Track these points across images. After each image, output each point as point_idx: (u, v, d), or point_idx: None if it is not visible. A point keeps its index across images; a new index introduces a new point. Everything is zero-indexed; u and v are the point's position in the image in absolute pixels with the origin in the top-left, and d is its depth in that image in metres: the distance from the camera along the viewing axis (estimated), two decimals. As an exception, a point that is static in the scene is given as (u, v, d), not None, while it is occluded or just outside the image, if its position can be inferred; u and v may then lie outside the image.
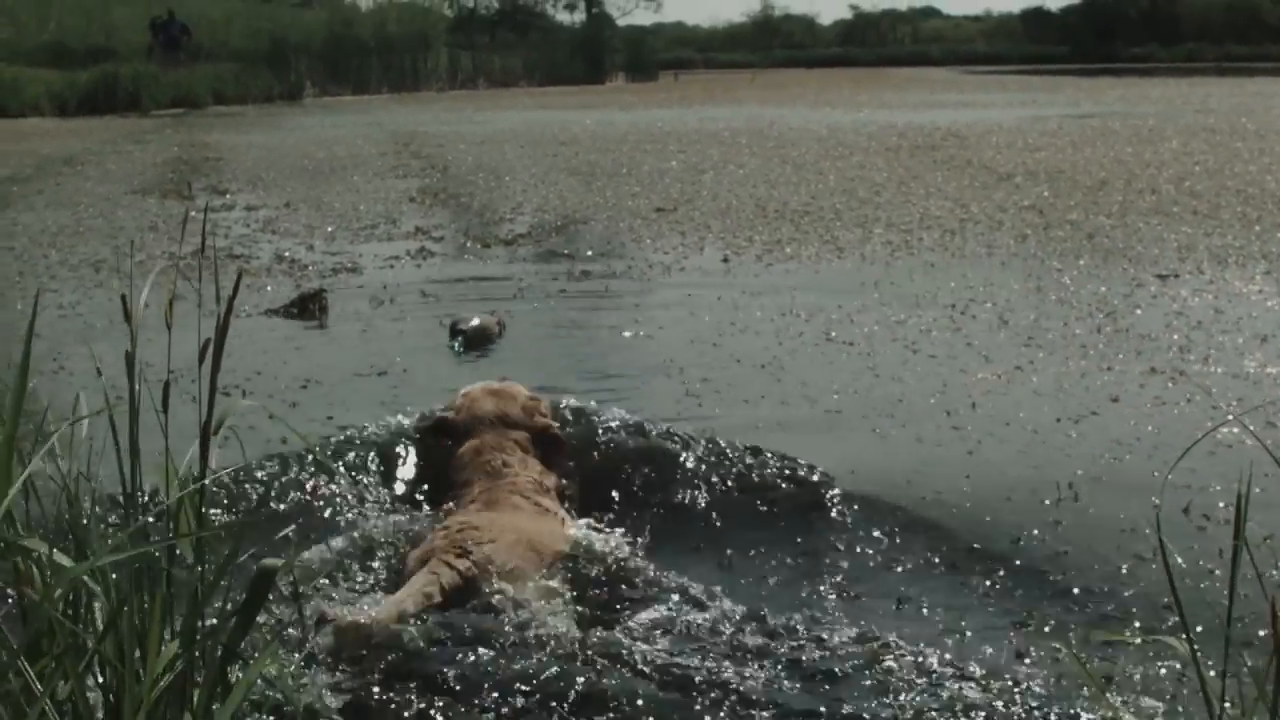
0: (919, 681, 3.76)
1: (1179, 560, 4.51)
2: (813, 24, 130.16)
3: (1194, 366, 7.38)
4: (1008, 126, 27.53)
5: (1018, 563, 4.65)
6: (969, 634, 4.09)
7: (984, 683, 3.76)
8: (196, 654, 2.36)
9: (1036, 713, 3.62)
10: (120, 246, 12.23)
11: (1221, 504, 5.06)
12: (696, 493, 5.20)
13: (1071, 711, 3.60)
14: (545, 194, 16.76)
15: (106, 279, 10.57)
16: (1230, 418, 6.09)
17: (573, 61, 67.00)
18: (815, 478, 5.33)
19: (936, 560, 4.68)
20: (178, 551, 2.41)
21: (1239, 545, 2.21)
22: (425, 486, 5.14)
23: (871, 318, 8.83)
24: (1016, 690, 3.73)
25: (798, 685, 3.66)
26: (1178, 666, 3.70)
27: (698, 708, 3.45)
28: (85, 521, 2.42)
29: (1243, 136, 23.82)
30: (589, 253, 11.98)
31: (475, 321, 8.45)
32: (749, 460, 5.44)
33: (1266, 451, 2.40)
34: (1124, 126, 26.96)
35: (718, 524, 5.01)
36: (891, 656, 3.85)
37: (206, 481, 2.41)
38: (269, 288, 10.31)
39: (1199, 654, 2.32)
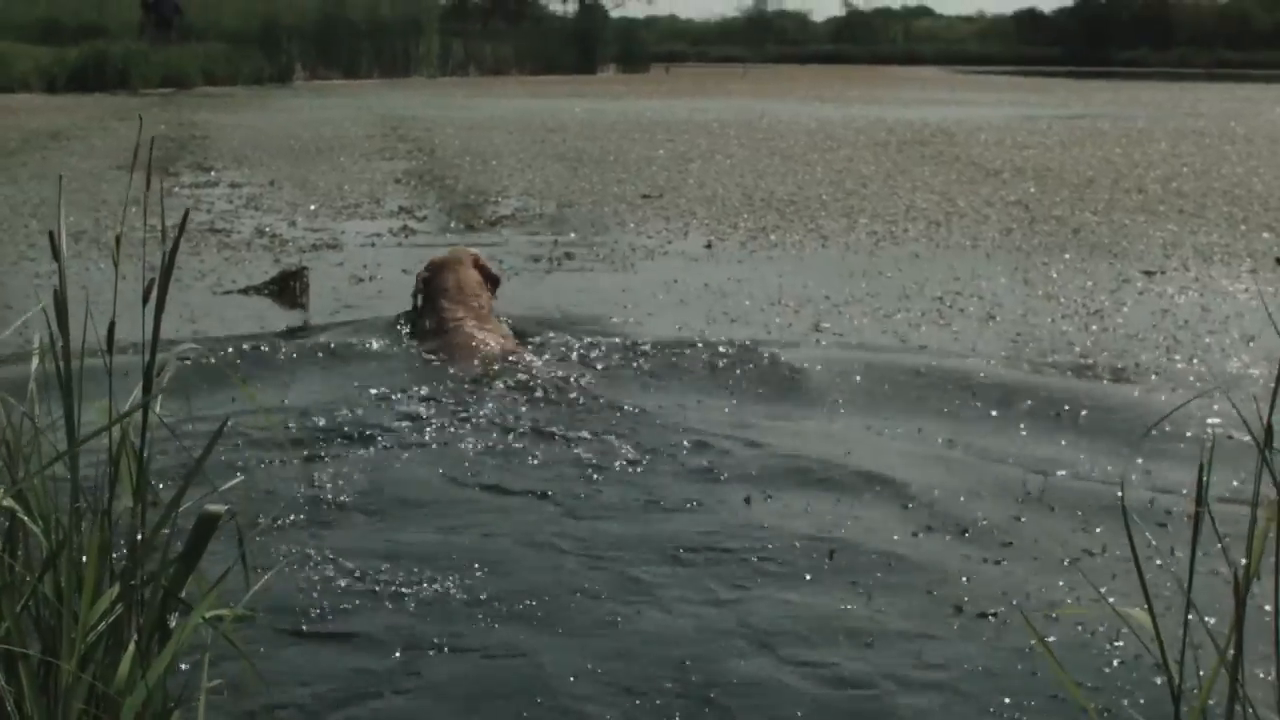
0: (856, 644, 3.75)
1: (1149, 537, 4.51)
2: (806, 20, 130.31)
3: (1178, 365, 7.36)
4: (997, 125, 27.51)
5: (970, 543, 4.65)
6: (910, 608, 4.06)
7: (930, 652, 3.76)
8: (136, 599, 2.31)
9: (986, 683, 3.61)
10: (102, 219, 12.17)
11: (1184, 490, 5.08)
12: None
13: (1027, 683, 3.59)
14: (531, 178, 16.70)
15: (85, 249, 10.49)
16: (1203, 397, 6.10)
17: (565, 52, 66.88)
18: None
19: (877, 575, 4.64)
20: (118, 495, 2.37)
21: (1200, 512, 2.16)
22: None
23: (859, 309, 8.79)
24: (969, 661, 3.73)
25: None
26: (1137, 639, 3.69)
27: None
28: (24, 458, 2.38)
29: (1231, 140, 23.83)
30: (573, 235, 11.93)
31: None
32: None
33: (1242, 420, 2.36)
34: (1113, 128, 26.96)
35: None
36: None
37: (147, 421, 2.37)
38: (248, 261, 10.26)
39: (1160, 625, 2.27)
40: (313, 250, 10.84)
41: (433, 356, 7.10)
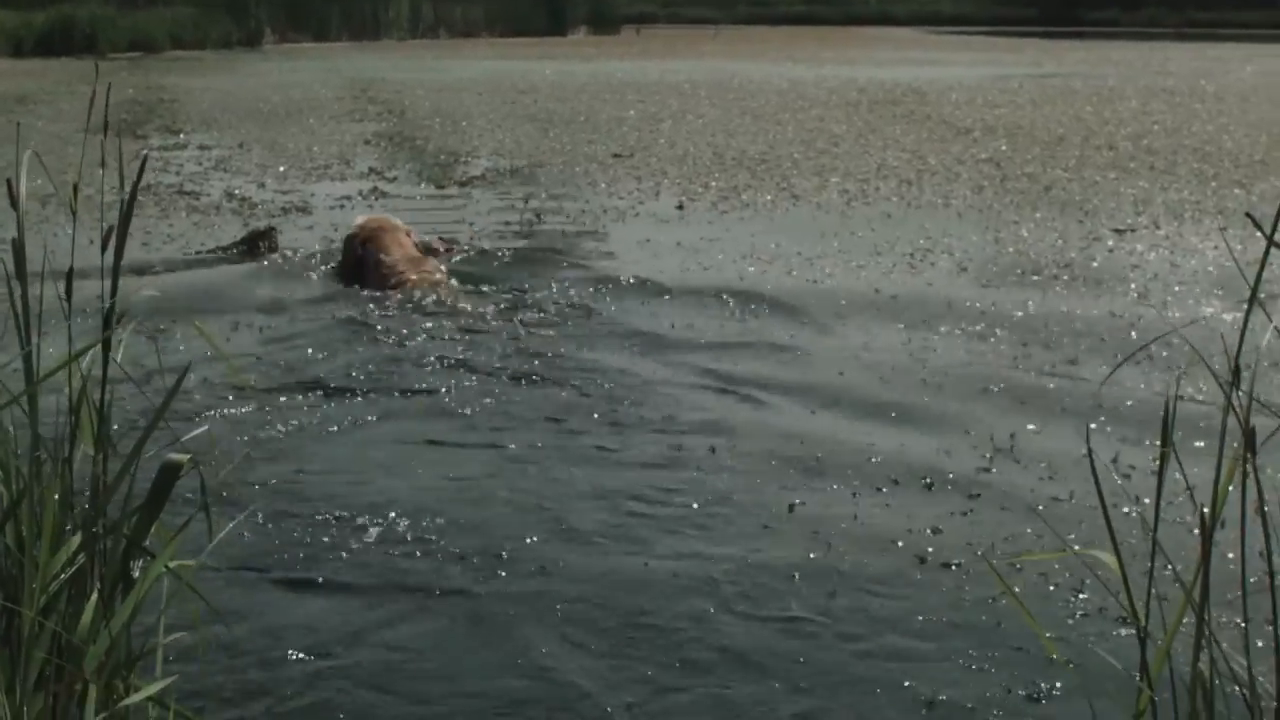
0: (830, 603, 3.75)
1: (1115, 477, 4.53)
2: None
3: (1150, 311, 7.38)
4: (968, 84, 27.46)
5: (932, 487, 4.68)
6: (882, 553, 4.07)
7: (901, 594, 3.77)
8: (99, 548, 2.29)
9: (954, 629, 3.62)
10: (68, 182, 12.06)
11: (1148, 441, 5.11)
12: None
13: (995, 630, 3.60)
14: (501, 139, 16.63)
15: (53, 214, 10.40)
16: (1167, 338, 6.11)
17: (534, 13, 66.48)
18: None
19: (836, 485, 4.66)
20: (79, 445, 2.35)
21: (1166, 452, 2.16)
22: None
23: (832, 263, 8.79)
24: (935, 606, 3.75)
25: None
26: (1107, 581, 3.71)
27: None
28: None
29: (1201, 98, 23.83)
30: (543, 195, 11.88)
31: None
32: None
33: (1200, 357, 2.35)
34: (1084, 86, 26.94)
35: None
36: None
37: (107, 370, 2.34)
38: (216, 224, 10.21)
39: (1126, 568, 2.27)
40: (282, 213, 10.78)
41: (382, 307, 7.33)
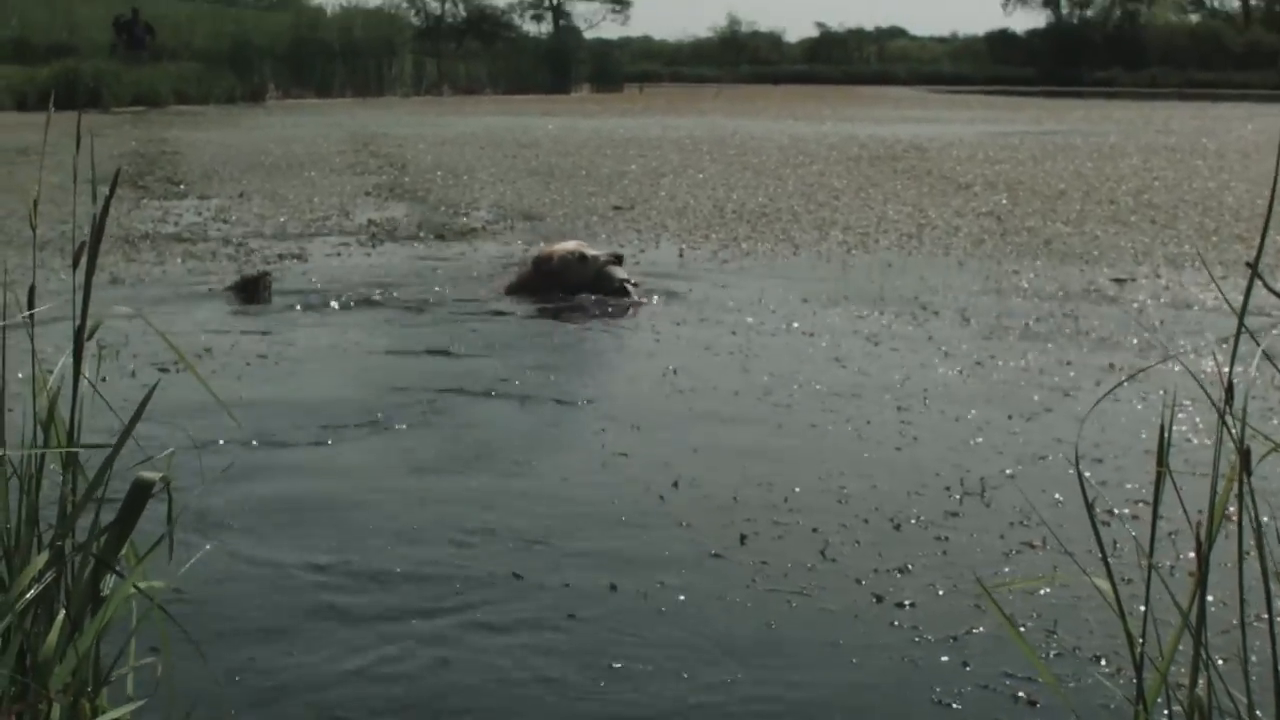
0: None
1: (1107, 500, 4.48)
2: (779, 41, 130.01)
3: (1155, 367, 7.31)
4: (969, 140, 27.55)
5: (895, 548, 4.56)
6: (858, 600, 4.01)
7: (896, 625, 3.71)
8: (67, 566, 2.24)
9: (950, 657, 3.57)
10: (67, 231, 12.06)
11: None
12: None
13: (990, 659, 3.55)
14: (503, 191, 16.64)
15: (48, 258, 10.40)
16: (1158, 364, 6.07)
17: (538, 71, 66.88)
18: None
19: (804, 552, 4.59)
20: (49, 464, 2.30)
21: (1162, 473, 2.11)
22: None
23: (835, 313, 8.76)
24: (931, 638, 3.70)
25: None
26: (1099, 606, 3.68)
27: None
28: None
29: (1202, 155, 23.87)
30: (543, 245, 11.85)
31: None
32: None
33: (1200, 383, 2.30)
34: (1085, 143, 27.01)
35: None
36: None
37: (79, 388, 2.30)
38: (212, 271, 10.19)
39: (1120, 593, 2.21)
40: (279, 260, 10.76)
41: None
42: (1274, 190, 2.19)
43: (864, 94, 69.07)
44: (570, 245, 9.46)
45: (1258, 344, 2.22)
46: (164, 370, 6.63)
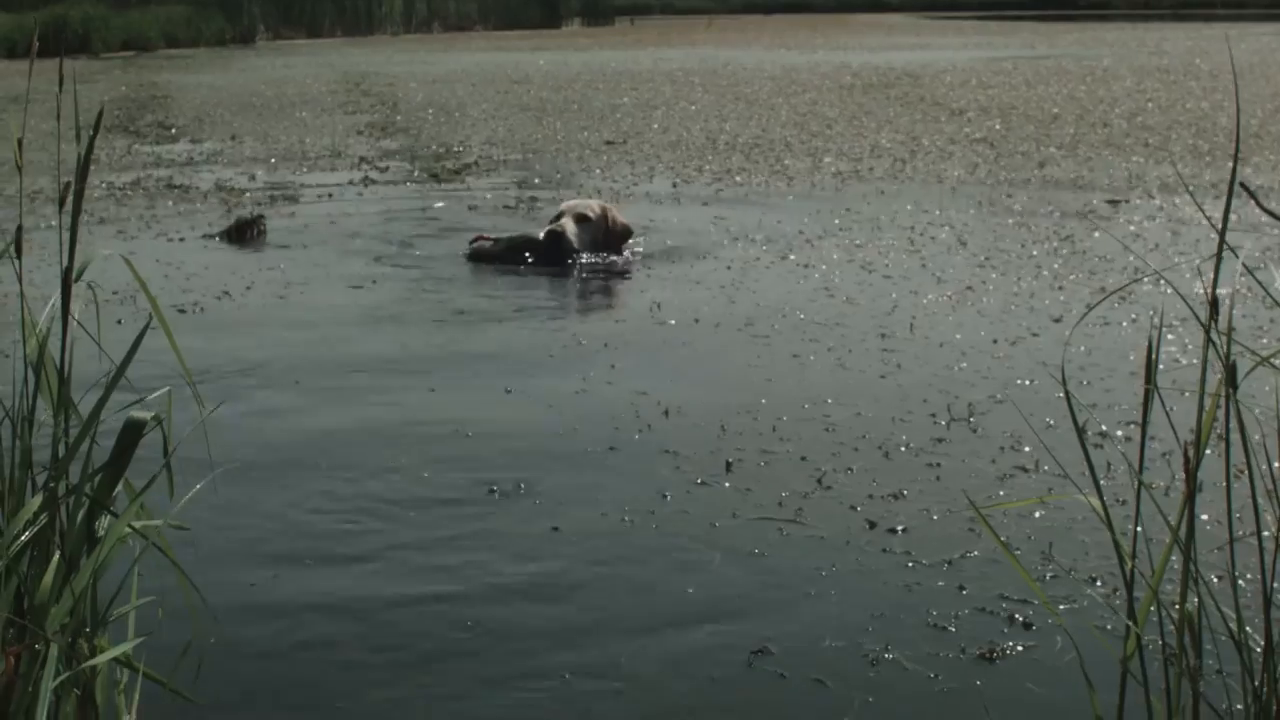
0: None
1: (1099, 422, 4.49)
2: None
3: (1144, 288, 7.31)
4: (962, 66, 27.42)
5: (886, 474, 4.54)
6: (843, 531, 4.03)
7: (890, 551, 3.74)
8: (61, 509, 2.25)
9: (946, 581, 3.60)
10: (59, 179, 12.01)
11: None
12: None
13: (986, 583, 3.57)
14: (495, 128, 16.59)
15: (40, 207, 10.37)
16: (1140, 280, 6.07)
17: (528, 6, 66.46)
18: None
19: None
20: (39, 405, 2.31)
21: (1150, 390, 2.11)
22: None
23: (831, 242, 8.74)
24: (926, 563, 3.72)
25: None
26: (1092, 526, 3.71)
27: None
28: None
29: (1195, 76, 23.78)
30: (537, 181, 11.86)
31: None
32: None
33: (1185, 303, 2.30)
34: (1078, 66, 26.89)
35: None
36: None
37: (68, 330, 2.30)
38: (202, 213, 10.18)
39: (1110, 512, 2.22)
40: (270, 202, 10.73)
41: None
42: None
43: (857, 22, 68.73)
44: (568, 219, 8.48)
45: (1237, 258, 2.22)
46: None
